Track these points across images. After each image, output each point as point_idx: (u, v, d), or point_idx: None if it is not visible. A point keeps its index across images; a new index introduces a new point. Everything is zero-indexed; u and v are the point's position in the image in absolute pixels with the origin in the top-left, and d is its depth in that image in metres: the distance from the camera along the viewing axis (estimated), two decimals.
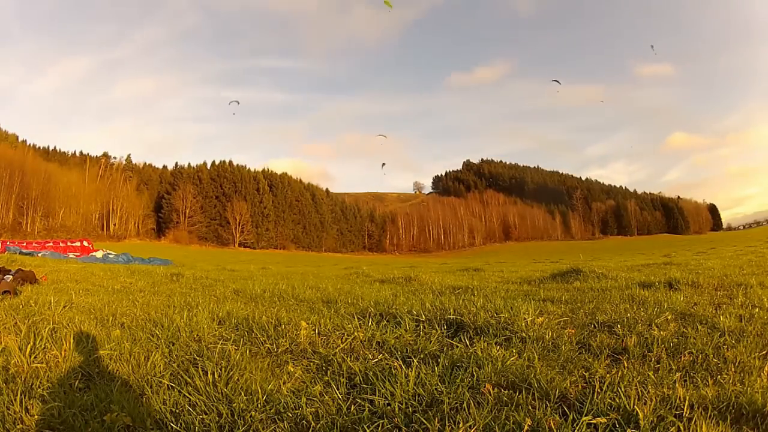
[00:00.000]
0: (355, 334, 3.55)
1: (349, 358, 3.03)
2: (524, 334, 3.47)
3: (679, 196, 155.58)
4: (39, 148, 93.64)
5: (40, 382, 2.66)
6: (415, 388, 2.51)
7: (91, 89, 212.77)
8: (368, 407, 2.34)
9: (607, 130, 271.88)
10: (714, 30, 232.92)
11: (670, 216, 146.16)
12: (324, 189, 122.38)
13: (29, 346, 3.08)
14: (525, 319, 3.75)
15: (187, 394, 2.49)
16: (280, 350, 3.34)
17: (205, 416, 2.30)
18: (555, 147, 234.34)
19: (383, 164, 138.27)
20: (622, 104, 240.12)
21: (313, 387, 2.60)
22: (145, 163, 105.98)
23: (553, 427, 2.05)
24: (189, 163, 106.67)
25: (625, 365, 2.78)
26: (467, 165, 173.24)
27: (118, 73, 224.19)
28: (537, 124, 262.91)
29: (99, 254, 24.75)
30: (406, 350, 3.22)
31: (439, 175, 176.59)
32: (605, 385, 2.43)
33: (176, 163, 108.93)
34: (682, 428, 2.02)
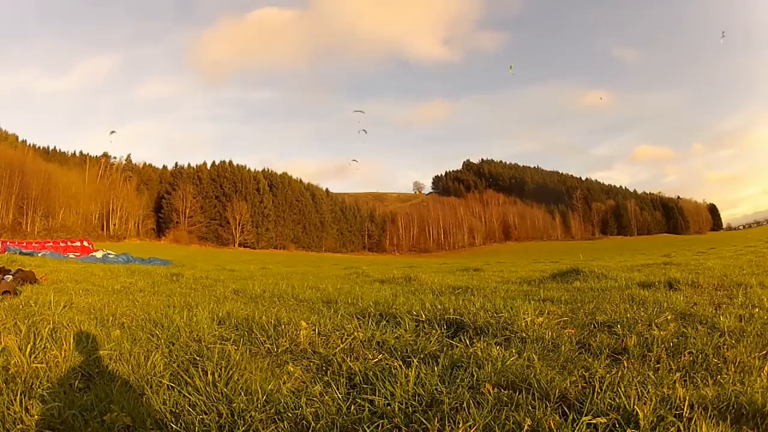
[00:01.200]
0: (355, 334, 3.55)
1: (349, 358, 3.03)
2: (524, 334, 3.47)
3: (678, 196, 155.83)
4: (39, 148, 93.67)
5: (40, 382, 2.66)
6: (415, 388, 2.51)
7: (93, 89, 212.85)
8: (368, 407, 2.34)
9: (612, 132, 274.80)
10: (715, 36, 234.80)
11: (670, 216, 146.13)
12: (324, 189, 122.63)
13: (29, 346, 3.08)
14: (525, 319, 3.75)
15: (187, 394, 2.49)
16: (280, 350, 3.33)
17: (205, 416, 2.29)
18: (561, 149, 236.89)
19: (355, 161, 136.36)
20: (628, 107, 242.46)
21: (313, 387, 2.60)
22: (145, 163, 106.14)
23: (553, 427, 2.05)
24: (189, 163, 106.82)
25: (625, 365, 2.78)
26: (467, 165, 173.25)
27: (120, 74, 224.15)
28: (543, 126, 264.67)
29: (99, 254, 24.76)
30: (406, 350, 3.22)
31: (439, 175, 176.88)
32: (605, 385, 2.43)
33: (176, 163, 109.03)
34: (682, 428, 2.02)
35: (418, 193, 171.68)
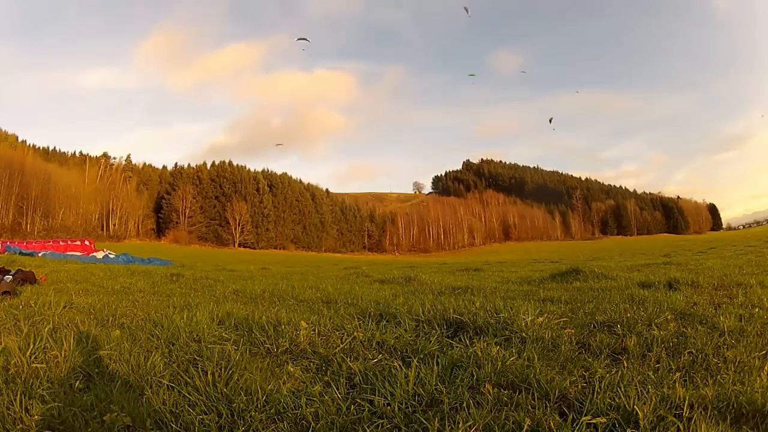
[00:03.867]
0: (355, 334, 3.55)
1: (348, 358, 3.03)
2: (524, 334, 3.47)
3: (678, 196, 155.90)
4: (39, 148, 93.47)
5: (40, 383, 2.66)
6: (414, 388, 2.51)
7: (96, 88, 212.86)
8: (368, 407, 2.34)
9: (620, 135, 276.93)
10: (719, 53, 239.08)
11: (669, 216, 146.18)
12: (324, 189, 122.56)
13: (29, 347, 3.08)
14: (525, 319, 3.75)
15: (186, 394, 2.49)
16: (279, 350, 3.33)
17: (204, 416, 2.29)
18: (568, 152, 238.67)
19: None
20: (636, 111, 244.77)
21: (312, 387, 2.60)
22: (145, 164, 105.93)
23: (552, 427, 2.05)
24: (189, 164, 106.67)
25: (625, 365, 2.79)
26: (467, 165, 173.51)
27: (122, 73, 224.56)
28: (549, 129, 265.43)
29: (99, 255, 24.74)
30: (406, 350, 3.22)
31: (439, 175, 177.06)
32: (605, 385, 2.43)
33: (176, 163, 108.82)
34: (681, 428, 2.02)
35: (417, 193, 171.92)
